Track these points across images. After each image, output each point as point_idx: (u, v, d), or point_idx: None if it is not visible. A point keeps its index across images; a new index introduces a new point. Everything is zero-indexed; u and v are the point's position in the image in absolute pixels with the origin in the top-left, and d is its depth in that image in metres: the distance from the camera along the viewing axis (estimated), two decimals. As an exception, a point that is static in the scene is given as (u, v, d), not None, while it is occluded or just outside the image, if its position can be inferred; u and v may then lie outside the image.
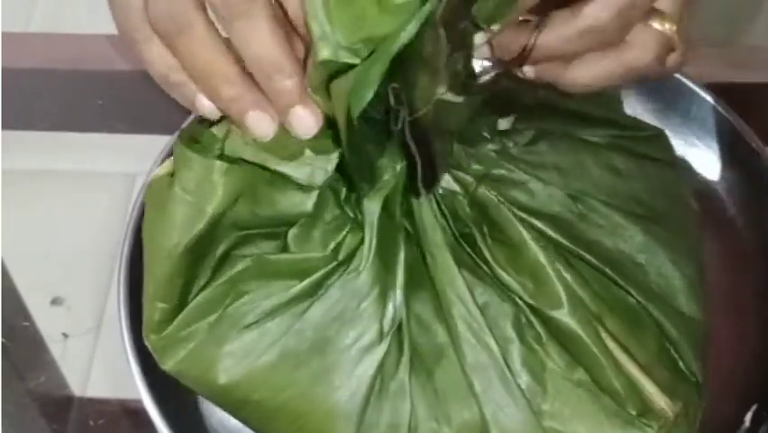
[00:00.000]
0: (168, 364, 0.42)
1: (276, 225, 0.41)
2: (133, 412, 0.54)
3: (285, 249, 0.41)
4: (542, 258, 0.41)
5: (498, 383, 0.41)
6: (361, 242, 0.41)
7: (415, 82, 0.37)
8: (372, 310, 0.41)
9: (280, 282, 0.41)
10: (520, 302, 0.42)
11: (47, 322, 0.58)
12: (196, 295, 0.41)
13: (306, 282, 0.41)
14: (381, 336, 0.41)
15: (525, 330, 0.42)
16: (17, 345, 0.56)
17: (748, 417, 0.49)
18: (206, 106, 0.39)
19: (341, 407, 0.41)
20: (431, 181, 0.42)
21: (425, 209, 0.43)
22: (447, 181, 0.44)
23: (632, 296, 0.43)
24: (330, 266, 0.41)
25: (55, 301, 0.58)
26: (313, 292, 0.41)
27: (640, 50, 0.40)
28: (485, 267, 0.42)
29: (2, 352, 0.53)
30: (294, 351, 0.41)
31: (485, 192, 0.43)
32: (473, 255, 0.43)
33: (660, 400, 0.41)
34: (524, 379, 0.41)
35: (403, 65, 0.36)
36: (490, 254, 0.42)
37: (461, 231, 0.43)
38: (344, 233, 0.41)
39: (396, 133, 0.39)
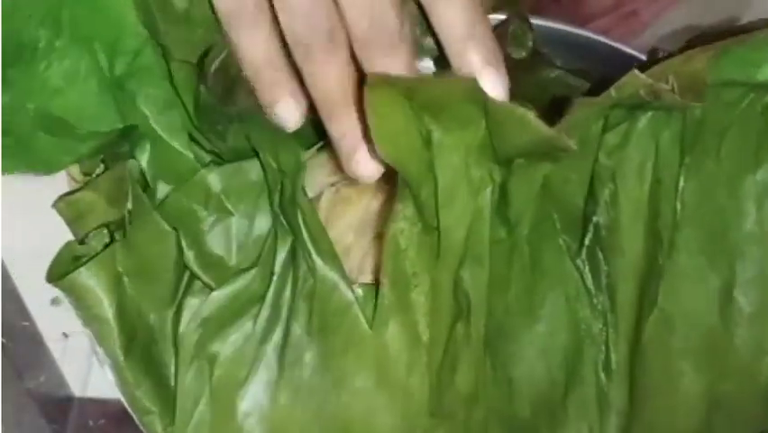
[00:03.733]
0: None
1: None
2: (133, 412, 0.54)
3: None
4: None
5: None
6: (292, 247, 0.40)
7: None
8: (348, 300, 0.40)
9: (239, 324, 0.41)
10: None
11: (47, 322, 0.58)
12: (175, 386, 0.41)
13: (264, 313, 0.40)
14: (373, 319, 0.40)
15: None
16: (17, 345, 0.56)
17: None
18: (289, 112, 0.39)
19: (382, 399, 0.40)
20: None
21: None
22: None
23: None
24: (272, 282, 0.40)
25: (55, 301, 0.58)
26: (277, 316, 0.41)
27: None
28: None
29: (2, 352, 0.53)
30: (301, 379, 0.40)
31: None
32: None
33: None
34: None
35: None
36: None
37: None
38: (266, 242, 0.41)
39: None
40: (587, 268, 0.41)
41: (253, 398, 0.40)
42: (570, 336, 0.41)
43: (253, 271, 0.41)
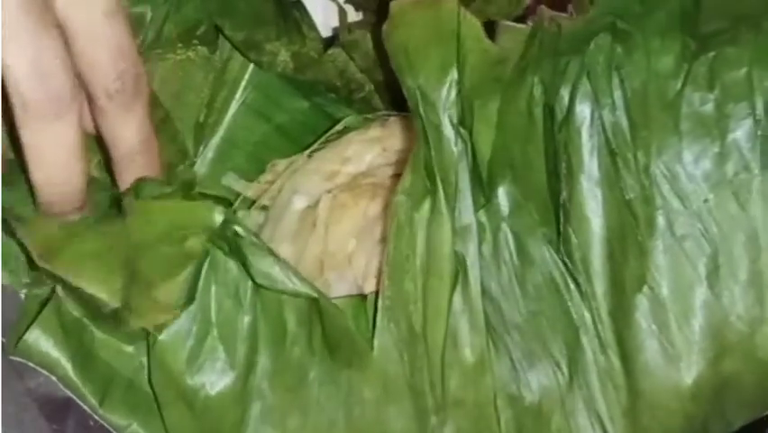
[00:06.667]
0: None
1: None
2: (133, 413, 0.54)
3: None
4: None
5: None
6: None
7: None
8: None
9: (207, 365, 0.40)
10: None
11: (47, 322, 0.58)
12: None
13: (240, 348, 0.40)
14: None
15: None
16: (17, 344, 0.56)
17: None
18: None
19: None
20: None
21: None
22: None
23: None
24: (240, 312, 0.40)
25: (55, 301, 0.58)
26: (255, 346, 0.40)
27: None
28: None
29: (2, 352, 0.53)
30: (309, 398, 0.41)
31: None
32: None
33: None
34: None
35: None
36: None
37: None
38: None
39: None
40: (567, 257, 0.42)
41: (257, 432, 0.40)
42: (565, 326, 0.42)
43: (192, 311, 0.40)
